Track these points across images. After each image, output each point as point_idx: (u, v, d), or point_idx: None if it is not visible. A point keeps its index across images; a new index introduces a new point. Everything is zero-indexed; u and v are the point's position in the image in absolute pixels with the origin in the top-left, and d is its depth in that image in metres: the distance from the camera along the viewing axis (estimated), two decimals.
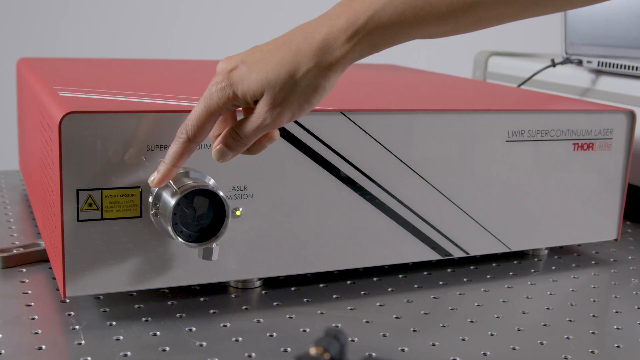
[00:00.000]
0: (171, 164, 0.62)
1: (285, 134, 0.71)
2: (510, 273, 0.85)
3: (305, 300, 0.74)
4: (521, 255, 0.91)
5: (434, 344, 0.66)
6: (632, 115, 0.89)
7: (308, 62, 0.58)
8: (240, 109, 0.63)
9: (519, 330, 0.70)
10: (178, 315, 0.69)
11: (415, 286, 0.80)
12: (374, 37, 0.57)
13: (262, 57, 0.60)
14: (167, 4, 2.08)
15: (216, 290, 0.74)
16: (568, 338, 0.69)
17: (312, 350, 0.48)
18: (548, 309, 0.76)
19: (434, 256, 0.81)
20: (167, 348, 0.63)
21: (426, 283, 0.81)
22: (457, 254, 0.82)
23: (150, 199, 0.65)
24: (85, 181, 0.64)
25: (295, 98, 0.59)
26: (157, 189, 0.65)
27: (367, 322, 0.70)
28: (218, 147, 0.62)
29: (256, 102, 0.60)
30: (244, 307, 0.71)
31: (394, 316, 0.72)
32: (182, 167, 0.66)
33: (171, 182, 0.65)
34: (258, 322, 0.69)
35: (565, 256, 0.92)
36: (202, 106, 0.61)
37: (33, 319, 0.67)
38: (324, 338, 0.50)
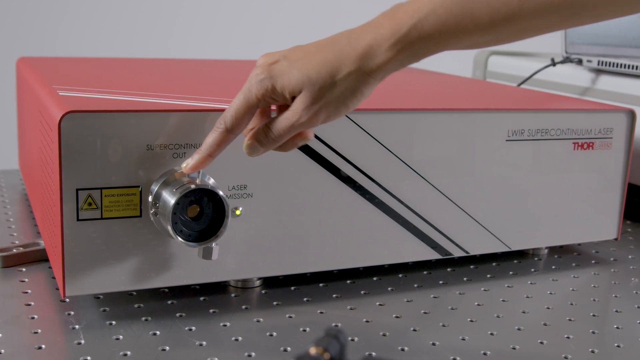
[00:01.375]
0: (207, 152, 0.63)
1: None
2: (511, 272, 0.85)
3: (305, 299, 0.74)
4: (521, 254, 0.91)
5: (434, 344, 0.66)
6: (632, 115, 0.89)
7: (350, 65, 0.58)
8: (274, 107, 0.64)
9: (519, 329, 0.70)
10: (178, 314, 0.69)
11: (415, 285, 0.80)
12: (415, 46, 0.58)
13: (304, 55, 0.60)
14: (167, 3, 2.08)
15: (216, 290, 0.74)
16: (568, 337, 0.69)
17: (312, 350, 0.48)
18: (548, 308, 0.76)
19: (434, 255, 0.80)
20: (167, 347, 0.63)
21: (426, 282, 0.81)
22: (457, 253, 0.82)
23: (150, 198, 0.65)
24: (84, 180, 0.64)
25: (333, 99, 0.59)
26: (156, 188, 0.65)
27: (367, 321, 0.70)
28: (249, 141, 0.63)
29: (293, 99, 0.60)
30: (243, 307, 0.71)
31: (394, 316, 0.72)
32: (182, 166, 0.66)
33: (172, 182, 0.65)
34: (258, 321, 0.69)
35: (565, 255, 0.92)
36: (241, 98, 0.61)
37: (33, 318, 0.67)
38: (324, 338, 0.50)
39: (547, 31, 0.59)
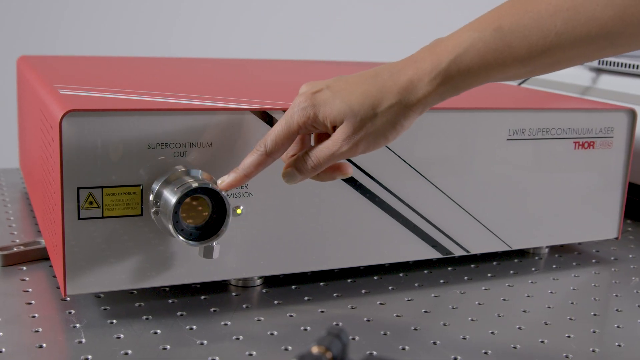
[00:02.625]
0: (244, 172, 0.64)
1: None
2: (511, 271, 0.85)
3: (305, 298, 0.74)
4: (522, 253, 0.91)
5: (434, 343, 0.66)
6: (632, 114, 0.89)
7: (391, 98, 0.60)
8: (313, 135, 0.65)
9: (519, 328, 0.70)
10: (179, 313, 0.69)
11: (416, 285, 0.80)
12: (455, 79, 0.59)
13: (347, 86, 0.61)
14: (168, 1, 2.07)
15: (217, 289, 0.74)
16: (569, 336, 0.69)
17: (314, 349, 0.48)
18: (549, 307, 0.76)
19: (434, 254, 0.80)
20: (168, 346, 0.63)
21: (427, 281, 0.81)
22: (457, 252, 0.82)
23: (151, 197, 0.65)
24: (85, 179, 0.64)
25: (373, 131, 0.60)
26: (157, 187, 0.65)
27: (368, 320, 0.70)
28: (288, 169, 0.64)
29: (334, 128, 0.61)
30: (244, 306, 0.71)
31: (395, 315, 0.72)
32: (183, 165, 0.66)
33: (172, 181, 0.65)
34: (259, 320, 0.69)
35: (566, 255, 0.92)
36: (282, 124, 0.62)
37: (33, 317, 0.67)
38: (326, 337, 0.50)
39: (582, 61, 0.60)
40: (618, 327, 0.72)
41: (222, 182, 0.65)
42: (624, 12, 0.56)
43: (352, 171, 0.65)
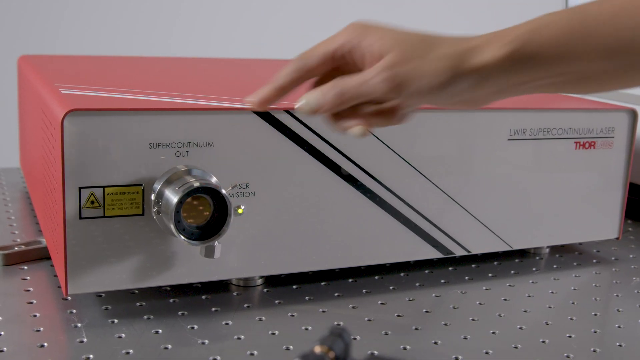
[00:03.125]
0: (279, 83, 0.58)
1: (287, 131, 0.71)
2: (512, 271, 0.85)
3: (306, 298, 0.74)
4: (523, 253, 0.91)
5: (435, 343, 0.66)
6: (634, 114, 0.89)
7: (450, 47, 0.54)
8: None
9: (520, 328, 0.70)
10: (180, 313, 0.69)
11: (417, 284, 0.80)
12: (528, 54, 0.53)
13: (403, 30, 0.55)
14: (169, 1, 2.08)
15: (218, 288, 0.74)
16: (570, 336, 0.69)
17: (317, 349, 0.48)
18: (549, 307, 0.76)
19: (435, 254, 0.80)
20: (169, 346, 0.63)
21: (428, 281, 0.81)
22: (458, 252, 0.82)
23: (153, 197, 0.65)
24: (87, 179, 0.64)
25: (418, 74, 0.53)
26: (159, 186, 0.65)
27: (369, 320, 0.70)
28: (309, 93, 0.56)
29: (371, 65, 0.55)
30: (245, 305, 0.71)
31: (396, 314, 0.72)
32: (184, 165, 0.66)
33: (173, 181, 0.65)
34: (260, 320, 0.69)
35: (566, 255, 0.92)
36: (327, 39, 0.57)
37: (35, 316, 0.67)
38: (329, 337, 0.50)
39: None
40: (619, 327, 0.72)
41: (255, 97, 0.57)
42: None
43: (369, 132, 0.58)
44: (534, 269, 0.86)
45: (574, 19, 0.53)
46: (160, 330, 0.65)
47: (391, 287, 0.78)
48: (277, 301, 0.73)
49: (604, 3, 0.53)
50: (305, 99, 0.56)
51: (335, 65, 0.58)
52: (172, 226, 0.64)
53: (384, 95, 0.54)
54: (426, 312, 0.73)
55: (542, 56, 0.53)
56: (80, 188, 0.64)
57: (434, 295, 0.77)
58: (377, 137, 0.75)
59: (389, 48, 0.54)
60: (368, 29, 0.55)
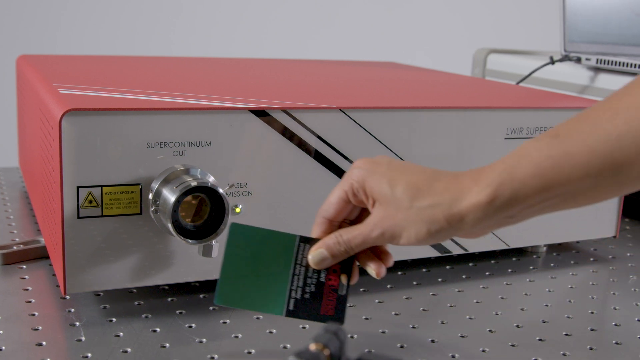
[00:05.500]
0: (321, 246, 0.60)
1: (285, 131, 0.71)
2: (509, 270, 0.85)
3: None
4: (520, 252, 0.91)
5: (433, 341, 0.66)
6: None
7: (435, 197, 0.55)
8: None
9: (517, 327, 0.70)
10: (178, 311, 0.69)
11: (414, 283, 0.80)
12: (508, 193, 0.53)
13: (403, 170, 0.58)
14: (168, 1, 2.08)
15: (215, 287, 0.74)
16: (567, 335, 0.69)
17: (312, 347, 0.49)
18: (547, 305, 0.76)
19: (432, 253, 0.81)
20: (167, 344, 0.63)
21: (425, 280, 0.81)
22: (455, 251, 0.82)
23: (151, 196, 0.66)
24: (85, 178, 0.64)
25: (404, 224, 0.56)
26: (157, 185, 0.65)
27: (367, 318, 0.70)
28: (320, 250, 0.60)
29: (374, 206, 0.58)
30: None
31: (393, 313, 0.72)
32: (182, 164, 0.66)
33: (172, 180, 0.65)
34: (257, 318, 0.69)
35: (563, 253, 0.92)
36: (338, 185, 0.60)
37: (33, 315, 0.67)
38: (324, 334, 0.50)
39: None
40: (616, 325, 0.72)
41: (312, 261, 0.61)
42: None
43: (392, 263, 0.61)
44: (531, 267, 0.87)
45: (551, 144, 0.53)
46: (158, 329, 0.66)
47: (388, 286, 0.78)
48: None
49: (575, 123, 0.53)
50: (311, 255, 0.60)
51: (356, 201, 0.60)
52: (169, 225, 0.64)
53: (384, 243, 0.59)
54: (423, 310, 0.73)
55: (525, 190, 0.53)
56: (78, 187, 0.64)
57: (431, 293, 0.77)
58: (375, 137, 0.75)
59: (383, 197, 0.57)
60: (369, 172, 0.58)
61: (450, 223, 0.55)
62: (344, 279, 0.61)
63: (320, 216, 0.61)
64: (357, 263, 0.61)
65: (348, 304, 0.73)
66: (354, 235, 0.59)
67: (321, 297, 0.60)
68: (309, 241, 0.61)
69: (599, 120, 0.52)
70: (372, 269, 0.60)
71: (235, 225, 0.60)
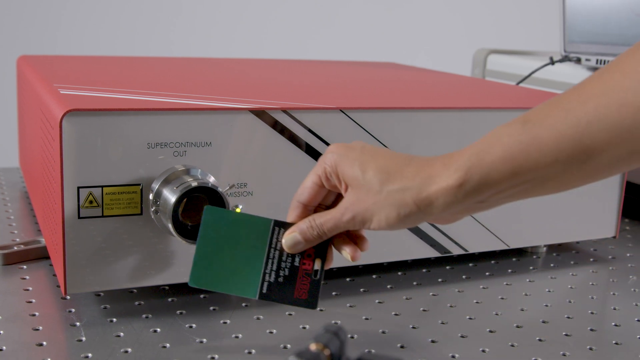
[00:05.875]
0: (295, 230, 0.60)
1: (285, 131, 0.71)
2: (509, 270, 0.85)
3: None
4: (520, 252, 0.91)
5: (433, 341, 0.66)
6: None
7: (405, 182, 0.55)
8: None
9: (517, 327, 0.70)
10: (178, 312, 0.69)
11: (415, 283, 0.80)
12: (477, 175, 0.53)
13: (375, 154, 0.58)
14: (168, 1, 2.08)
15: None
16: (567, 335, 0.69)
17: (313, 346, 0.49)
18: (547, 306, 0.76)
19: (433, 253, 0.81)
20: (168, 344, 0.63)
21: (425, 280, 0.81)
22: (456, 251, 0.82)
23: (151, 197, 0.66)
24: (86, 178, 0.64)
25: (375, 208, 0.56)
26: (157, 186, 0.65)
27: (367, 319, 0.70)
28: (293, 234, 0.60)
29: (347, 190, 0.58)
30: (243, 304, 0.72)
31: (393, 313, 0.72)
32: (183, 165, 0.67)
33: (172, 180, 0.65)
34: (258, 319, 0.69)
35: (563, 253, 0.92)
36: (312, 170, 0.61)
37: (34, 315, 0.67)
38: (324, 334, 0.50)
39: (627, 165, 0.52)
40: (615, 325, 0.72)
41: (286, 244, 0.61)
42: None
43: (367, 247, 0.61)
44: (531, 267, 0.87)
45: (521, 129, 0.52)
46: (158, 329, 0.66)
47: (389, 286, 0.78)
48: None
49: (547, 108, 0.53)
50: (285, 239, 0.61)
51: (330, 185, 0.60)
52: (170, 225, 0.64)
53: (356, 228, 0.58)
54: (423, 310, 0.73)
55: (495, 173, 0.53)
56: (79, 188, 0.64)
57: (431, 294, 0.77)
58: (375, 137, 0.75)
59: (354, 181, 0.57)
60: (342, 157, 0.58)
61: (420, 207, 0.55)
62: (317, 263, 0.61)
63: (295, 200, 0.62)
64: (333, 248, 0.62)
65: (348, 305, 0.73)
66: (326, 219, 0.59)
67: (295, 281, 0.61)
68: (284, 225, 0.61)
69: (569, 106, 0.51)
70: (348, 252, 0.61)
71: (210, 208, 0.61)
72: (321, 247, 0.61)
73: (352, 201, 0.57)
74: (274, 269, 0.61)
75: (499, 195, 0.54)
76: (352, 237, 0.62)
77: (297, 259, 0.61)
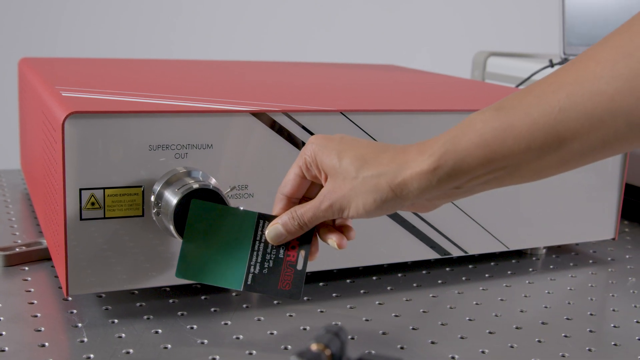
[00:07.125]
0: (278, 222, 0.62)
1: (285, 134, 0.71)
2: (509, 272, 0.86)
3: (305, 298, 0.75)
4: (519, 254, 0.91)
5: (433, 342, 0.67)
6: None
7: (380, 168, 0.56)
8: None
9: (517, 328, 0.71)
10: (179, 313, 0.70)
11: (415, 285, 0.80)
12: (451, 161, 0.54)
13: (352, 144, 0.59)
14: (169, 3, 2.08)
15: (217, 289, 0.75)
16: (566, 336, 0.70)
17: (313, 347, 0.49)
18: (546, 307, 0.76)
19: (432, 255, 0.81)
20: (169, 346, 0.63)
21: (425, 282, 0.81)
22: (455, 253, 0.82)
23: (152, 198, 0.66)
24: (87, 180, 0.64)
25: (351, 195, 0.57)
26: (158, 188, 0.66)
27: (367, 320, 0.71)
28: (275, 225, 0.62)
29: (326, 180, 0.60)
30: (244, 306, 0.72)
31: (393, 315, 0.72)
32: (184, 167, 0.67)
33: (173, 182, 0.65)
34: (258, 320, 0.69)
35: (563, 255, 0.93)
36: (294, 163, 0.62)
37: (36, 316, 0.68)
38: (325, 335, 0.51)
39: (602, 154, 0.52)
40: (614, 326, 0.72)
41: (269, 235, 0.62)
42: (632, 82, 0.48)
43: (353, 236, 0.62)
44: (530, 269, 0.87)
45: (495, 115, 0.53)
46: (160, 330, 0.66)
47: (389, 288, 0.79)
48: (275, 301, 0.73)
49: (520, 95, 0.53)
50: (268, 231, 0.62)
51: (311, 176, 0.61)
52: (171, 227, 0.64)
53: (335, 216, 0.59)
54: (423, 312, 0.73)
55: (469, 160, 0.53)
56: (80, 189, 0.64)
57: (431, 295, 0.78)
58: (375, 139, 0.75)
59: (332, 169, 0.58)
60: (321, 147, 0.59)
61: (395, 192, 0.56)
62: (301, 254, 0.62)
63: (279, 193, 0.63)
64: (319, 239, 0.63)
65: (348, 306, 0.73)
66: (306, 209, 0.60)
67: (279, 273, 0.62)
68: (268, 218, 0.62)
69: (543, 94, 0.51)
70: (334, 240, 0.61)
71: (196, 201, 0.62)
72: (305, 239, 0.62)
73: (330, 189, 0.59)
74: (258, 261, 0.62)
75: (474, 182, 0.54)
76: (338, 226, 0.63)
77: (281, 251, 0.62)
